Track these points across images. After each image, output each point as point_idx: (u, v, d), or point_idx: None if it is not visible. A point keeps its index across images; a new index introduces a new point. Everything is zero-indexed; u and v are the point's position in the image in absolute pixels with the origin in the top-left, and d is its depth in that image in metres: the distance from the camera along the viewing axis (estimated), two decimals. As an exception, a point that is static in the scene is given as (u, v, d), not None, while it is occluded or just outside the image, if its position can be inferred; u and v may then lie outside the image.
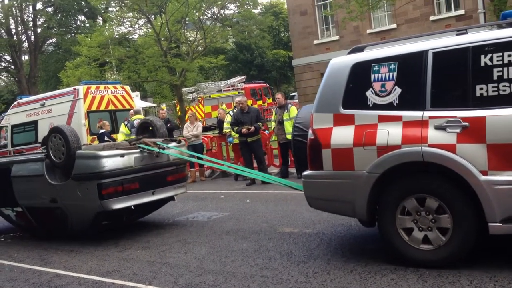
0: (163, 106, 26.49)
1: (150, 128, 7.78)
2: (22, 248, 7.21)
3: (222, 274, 4.93)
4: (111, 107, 14.07)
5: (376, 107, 4.55)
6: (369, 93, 4.60)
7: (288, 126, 10.58)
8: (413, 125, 4.30)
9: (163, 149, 7.01)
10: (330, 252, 5.20)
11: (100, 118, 13.30)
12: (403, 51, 4.54)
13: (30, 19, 37.82)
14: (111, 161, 6.45)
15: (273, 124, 11.34)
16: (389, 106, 4.48)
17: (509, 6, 14.33)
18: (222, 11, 28.51)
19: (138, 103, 21.07)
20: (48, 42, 41.04)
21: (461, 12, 20.52)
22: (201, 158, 9.01)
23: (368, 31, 23.13)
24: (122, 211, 6.86)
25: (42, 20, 38.31)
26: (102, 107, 13.85)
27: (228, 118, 11.79)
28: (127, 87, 15.38)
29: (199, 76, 30.21)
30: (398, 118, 4.39)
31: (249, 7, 28.33)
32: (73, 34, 39.32)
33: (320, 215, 6.90)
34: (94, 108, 13.60)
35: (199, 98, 28.42)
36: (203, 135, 13.41)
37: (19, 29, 37.72)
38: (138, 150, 6.82)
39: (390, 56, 4.55)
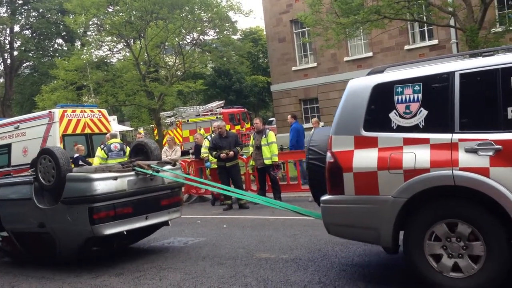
0: (141, 130, 26.30)
1: (144, 150, 7.55)
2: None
3: (197, 301, 4.84)
4: (87, 130, 13.91)
5: (401, 129, 4.42)
6: (392, 115, 4.48)
7: (266, 151, 10.61)
8: (442, 148, 4.17)
9: (158, 171, 6.77)
10: (307, 278, 5.16)
11: (75, 142, 13.11)
12: (428, 73, 4.42)
13: (7, 41, 37.44)
14: (104, 184, 6.20)
15: (250, 149, 11.34)
16: (415, 128, 4.35)
17: (481, 36, 14.83)
18: (201, 37, 28.76)
19: (115, 126, 20.87)
20: (24, 65, 40.60)
21: (434, 42, 21.13)
22: (200, 182, 8.85)
23: (345, 58, 23.59)
24: (114, 237, 6.58)
25: (19, 42, 37.98)
26: (78, 131, 13.68)
27: (206, 143, 11.76)
28: (104, 111, 15.26)
29: (177, 101, 30.25)
30: (425, 141, 4.26)
31: (228, 33, 28.63)
32: (50, 57, 39.01)
33: (297, 241, 6.89)
34: (70, 131, 13.42)
35: (177, 123, 28.32)
36: (181, 159, 13.33)
37: (-5, 51, 37.29)
38: (132, 173, 6.57)
39: (414, 78, 4.43)
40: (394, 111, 4.49)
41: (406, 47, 21.86)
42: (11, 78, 37.30)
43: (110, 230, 6.21)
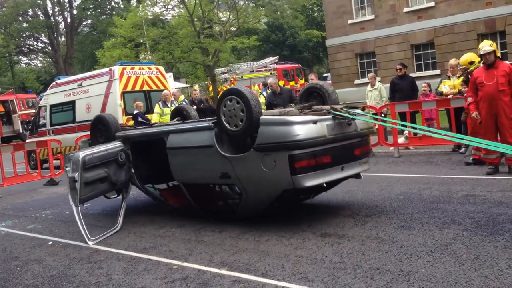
0: (196, 86, 26.64)
1: (315, 94, 6.65)
2: (62, 224, 7.47)
3: (256, 253, 4.98)
4: (145, 87, 14.22)
5: None
6: None
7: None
8: None
9: (355, 115, 5.89)
10: (365, 234, 5.18)
11: (135, 99, 13.49)
12: None
13: (66, 0, 38.42)
14: (305, 128, 5.35)
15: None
16: None
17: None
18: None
19: (172, 83, 21.26)
20: (83, 23, 41.70)
21: (503, -12, 19.74)
22: (405, 125, 7.55)
23: (405, 9, 22.56)
24: (310, 190, 5.87)
25: (78, 1, 38.90)
26: (137, 88, 14.01)
27: (261, 99, 11.77)
28: (161, 68, 15.50)
29: (231, 57, 30.20)
30: None
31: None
32: (108, 15, 39.78)
33: (354, 196, 6.88)
34: (129, 88, 13.77)
35: (232, 79, 28.42)
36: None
37: (56, 10, 38.43)
38: (329, 116, 5.69)
39: None
40: None
41: (472, -5, 20.58)
42: (72, 36, 38.53)
43: (311, 181, 5.42)
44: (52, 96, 15.58)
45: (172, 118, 8.31)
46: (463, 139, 6.46)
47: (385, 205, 6.29)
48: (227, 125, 5.83)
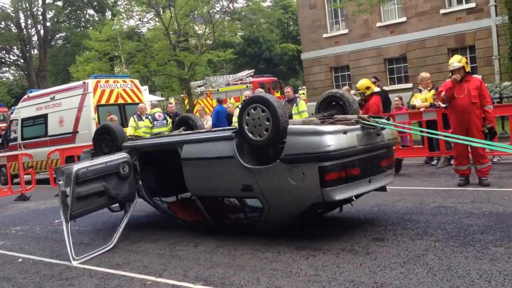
0: (172, 99, 26.53)
1: (334, 103, 6.44)
2: (33, 240, 7.30)
3: (231, 267, 4.95)
4: (120, 100, 14.12)
5: None
6: None
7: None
8: None
9: (383, 126, 5.67)
10: (340, 246, 5.20)
11: (109, 112, 13.36)
12: None
13: (39, 12, 37.95)
14: (336, 138, 5.08)
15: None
16: None
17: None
18: (230, 5, 28.47)
19: (147, 96, 21.12)
20: (57, 36, 41.20)
21: (472, 5, 20.35)
22: (433, 133, 7.11)
23: (378, 24, 23.00)
24: (338, 204, 5.70)
25: (51, 13, 38.44)
26: (112, 101, 13.91)
27: (237, 112, 11.78)
28: (136, 81, 15.43)
29: (207, 70, 30.19)
30: None
31: (258, 0, 28.24)
32: (82, 28, 39.45)
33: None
34: (103, 102, 13.66)
35: (208, 92, 28.40)
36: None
37: (29, 22, 37.91)
38: (358, 126, 5.45)
39: None
40: None
41: (442, 11, 21.13)
42: (45, 49, 37.98)
43: (341, 194, 5.15)
44: (24, 110, 15.34)
45: (176, 127, 8.02)
46: (491, 145, 6.43)
47: (360, 217, 6.35)
48: (250, 135, 5.52)
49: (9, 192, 11.80)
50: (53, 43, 41.20)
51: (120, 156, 6.59)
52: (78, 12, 40.96)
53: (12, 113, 20.55)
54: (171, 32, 25.11)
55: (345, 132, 5.20)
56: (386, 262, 4.52)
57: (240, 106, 6.05)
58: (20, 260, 6.24)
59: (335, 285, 4.13)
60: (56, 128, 14.06)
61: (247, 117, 5.55)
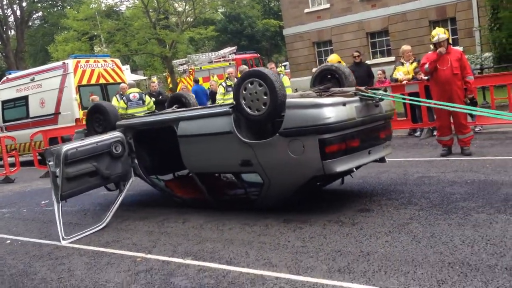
0: (154, 78, 26.28)
1: (329, 76, 6.38)
2: (20, 222, 7.28)
3: (220, 241, 5.02)
4: (101, 80, 13.95)
5: None
6: None
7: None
8: None
9: (381, 97, 5.66)
10: (326, 217, 5.29)
11: (91, 92, 13.22)
12: None
13: (15, -8, 36.99)
14: (335, 110, 5.07)
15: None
16: None
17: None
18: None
19: (128, 76, 20.90)
20: (34, 16, 40.29)
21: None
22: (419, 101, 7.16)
23: (359, -2, 22.90)
24: (338, 176, 5.75)
25: (27, -7, 37.50)
26: (93, 81, 13.73)
27: (221, 90, 11.74)
28: (117, 60, 15.23)
29: (189, 48, 29.94)
30: None
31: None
32: (59, 8, 38.59)
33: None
34: (84, 82, 13.48)
35: (190, 70, 28.17)
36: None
37: (4, 2, 36.95)
38: (356, 98, 5.45)
39: None
40: None
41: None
42: (22, 30, 37.13)
43: (342, 166, 5.16)
44: (4, 92, 15.08)
45: (169, 105, 7.93)
46: (474, 110, 6.78)
47: (346, 189, 6.44)
48: (248, 110, 5.47)
49: (-7, 176, 11.69)
50: (30, 24, 40.30)
51: (112, 135, 6.52)
52: (55, -9, 40.03)
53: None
54: (150, 10, 24.74)
55: (344, 104, 5.19)
56: (372, 232, 4.63)
57: (236, 81, 6.03)
58: (9, 241, 6.23)
59: (322, 255, 4.22)
60: (37, 110, 13.87)
61: (244, 92, 5.49)
